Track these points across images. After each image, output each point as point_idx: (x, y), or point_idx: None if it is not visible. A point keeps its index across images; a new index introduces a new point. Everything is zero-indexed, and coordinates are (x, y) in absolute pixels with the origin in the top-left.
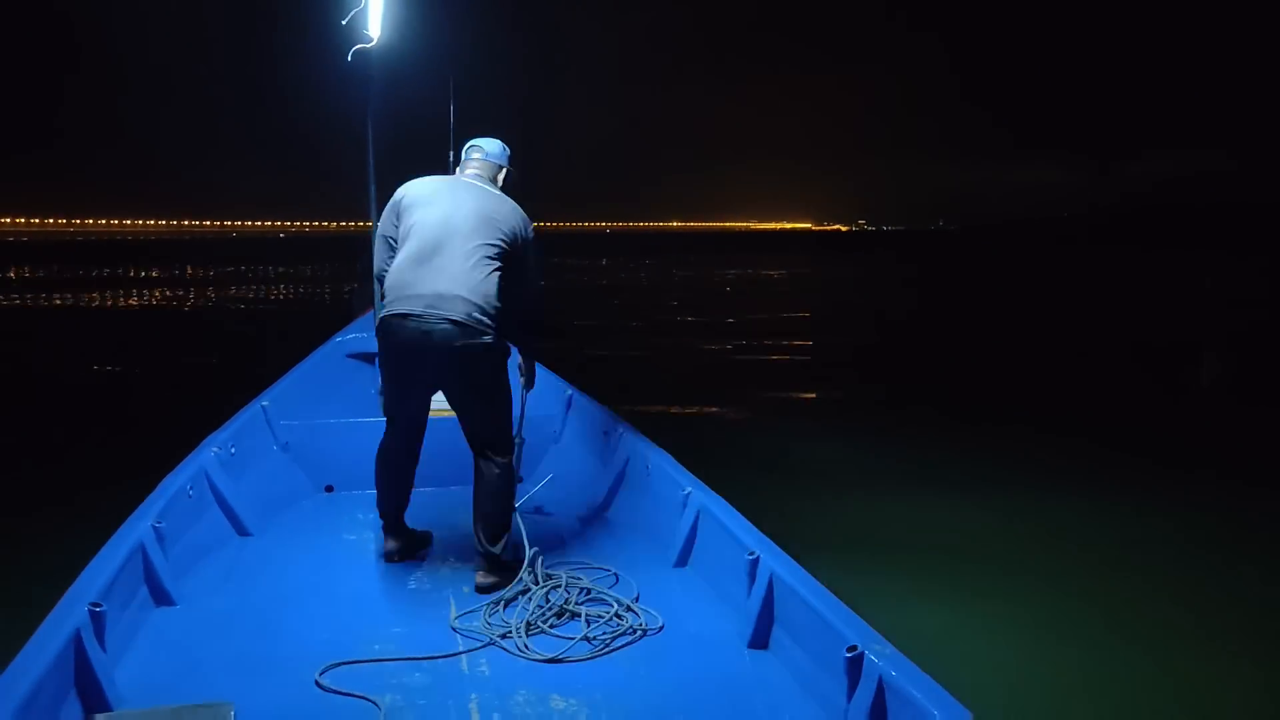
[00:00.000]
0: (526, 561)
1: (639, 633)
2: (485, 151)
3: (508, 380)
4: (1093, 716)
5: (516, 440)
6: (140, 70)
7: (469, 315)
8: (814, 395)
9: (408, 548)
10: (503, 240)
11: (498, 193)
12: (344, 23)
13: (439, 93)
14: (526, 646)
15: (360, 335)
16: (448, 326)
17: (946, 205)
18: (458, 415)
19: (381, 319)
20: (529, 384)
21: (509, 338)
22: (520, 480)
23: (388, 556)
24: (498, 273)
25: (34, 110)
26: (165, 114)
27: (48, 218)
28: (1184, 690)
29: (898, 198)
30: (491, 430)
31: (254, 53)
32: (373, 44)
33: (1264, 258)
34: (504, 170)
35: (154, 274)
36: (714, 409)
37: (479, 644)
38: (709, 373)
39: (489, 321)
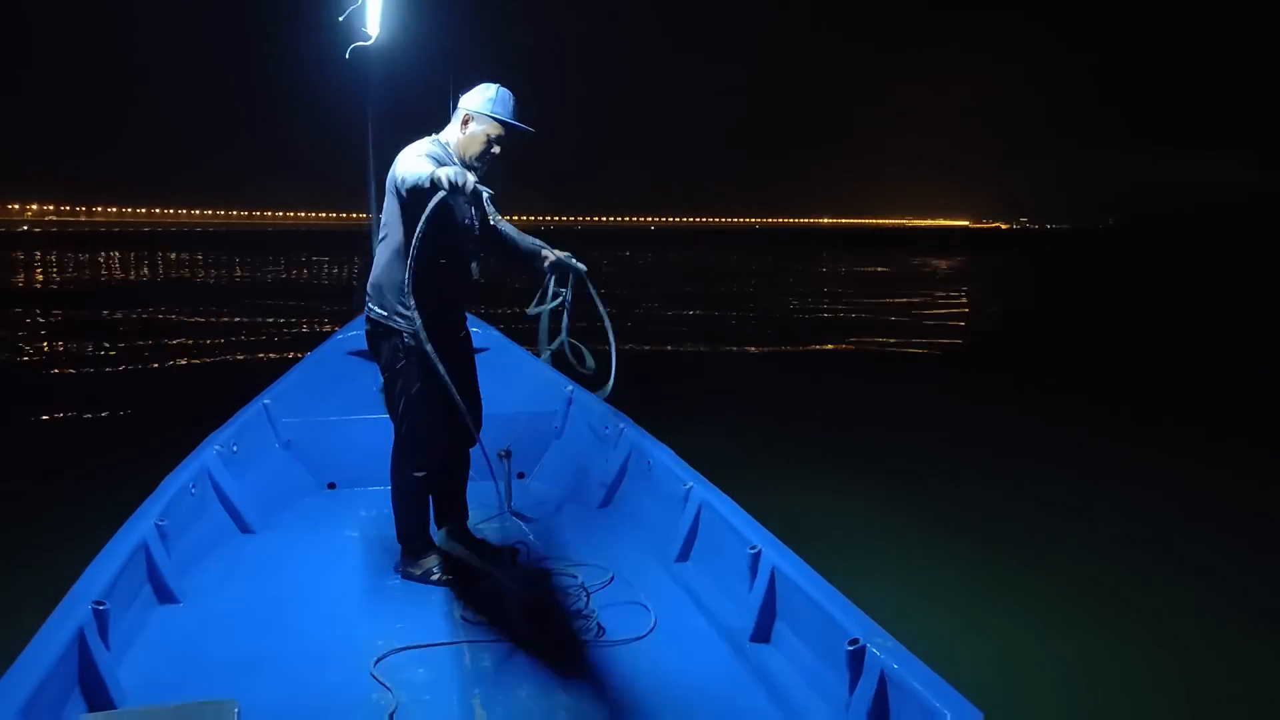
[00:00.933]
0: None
1: (642, 627)
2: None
3: (409, 365)
4: (1100, 711)
5: (411, 433)
6: (130, 68)
7: (369, 307)
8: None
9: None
10: (392, 199)
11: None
12: (340, 20)
13: (442, 90)
14: (531, 641)
15: (361, 332)
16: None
17: (1115, 203)
18: None
19: None
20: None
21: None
22: (522, 476)
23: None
24: (392, 247)
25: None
26: (142, 110)
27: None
28: (1195, 687)
29: (1062, 195)
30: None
31: (248, 48)
32: (371, 42)
33: None
34: (464, 115)
35: (152, 265)
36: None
37: (483, 640)
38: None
39: (382, 309)
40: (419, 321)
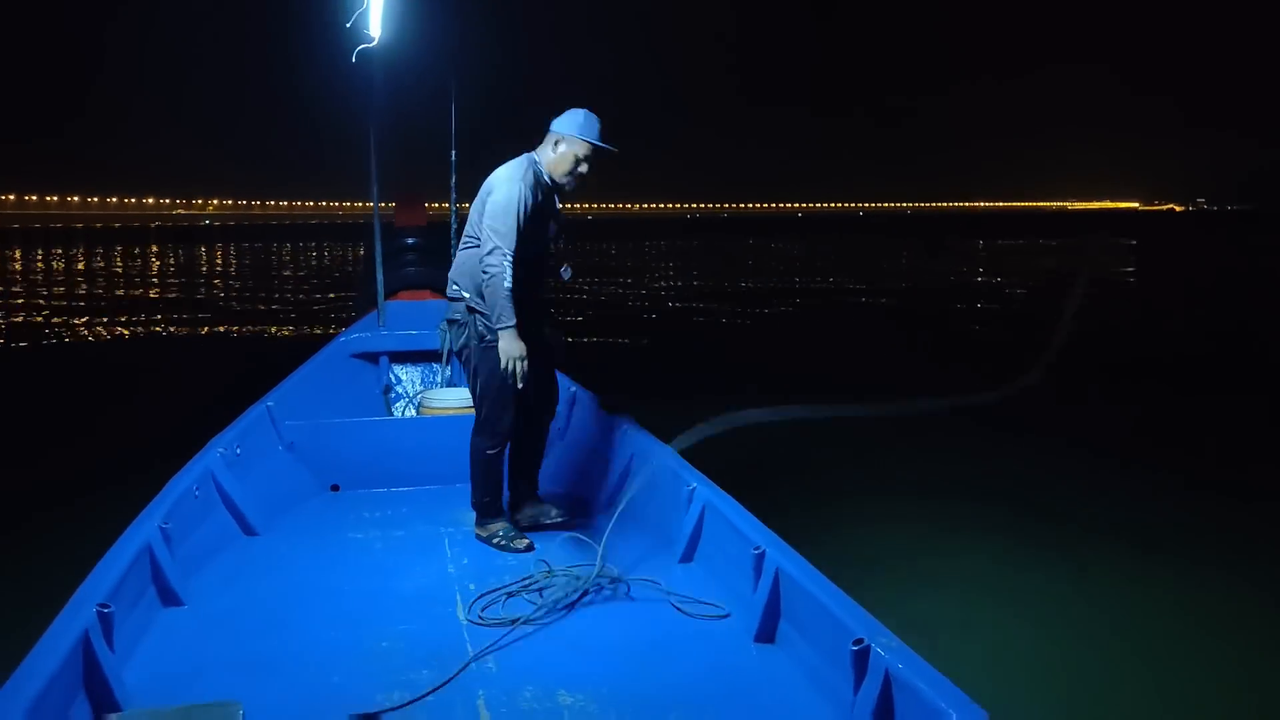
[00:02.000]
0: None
1: (645, 628)
2: (549, 128)
3: (490, 357)
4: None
5: (493, 419)
6: (144, 68)
7: (453, 288)
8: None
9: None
10: (483, 211)
11: (511, 163)
12: (348, 25)
13: (449, 91)
14: (533, 645)
15: (364, 334)
16: (452, 306)
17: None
18: None
19: None
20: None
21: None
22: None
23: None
24: (471, 247)
25: (51, 100)
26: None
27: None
28: (1207, 688)
29: (1247, 173)
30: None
31: (256, 50)
32: (374, 44)
33: None
34: (557, 138)
35: (157, 259)
36: None
37: (486, 641)
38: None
39: (467, 295)
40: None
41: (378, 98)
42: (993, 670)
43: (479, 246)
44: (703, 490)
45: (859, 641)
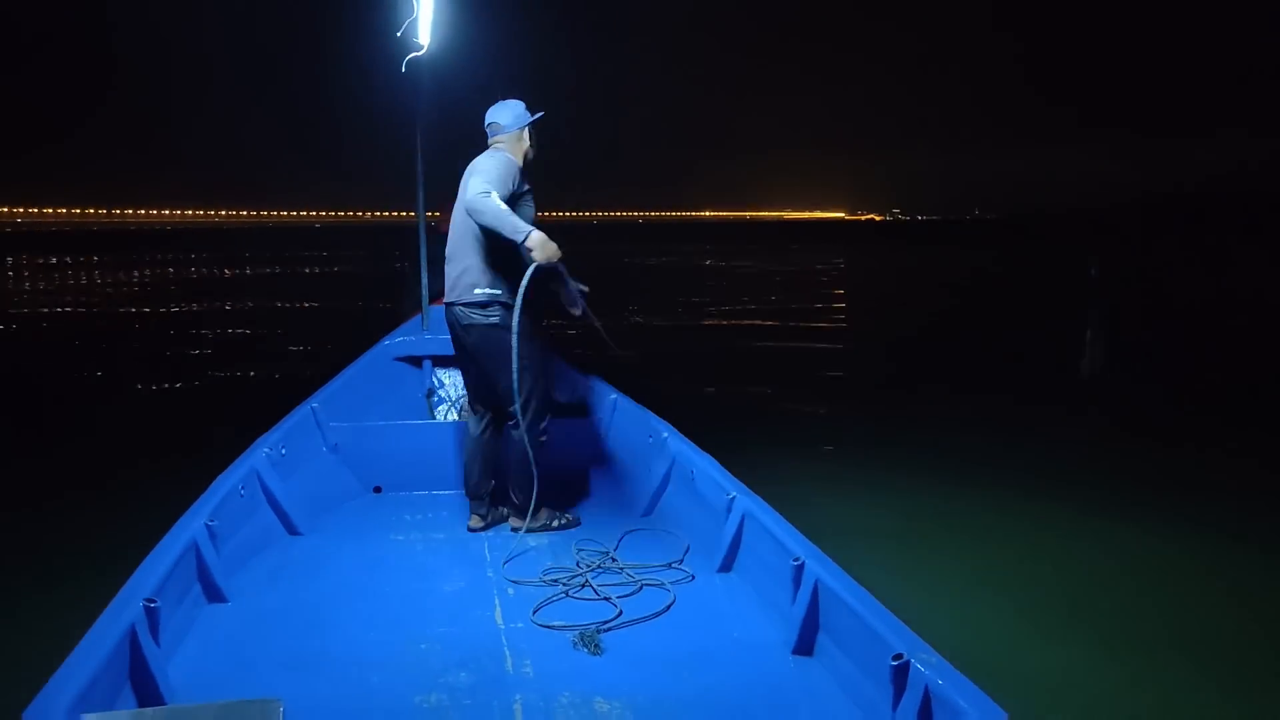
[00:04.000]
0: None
1: (683, 637)
2: (504, 124)
3: (533, 344)
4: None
5: (535, 403)
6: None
7: (474, 293)
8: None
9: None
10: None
11: (488, 152)
12: (399, 35)
13: (487, 96)
14: (572, 650)
15: (408, 338)
16: (464, 309)
17: (983, 194)
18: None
19: None
20: (574, 306)
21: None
22: (543, 439)
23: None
24: (492, 241)
25: (80, 106)
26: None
27: (87, 208)
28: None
29: (933, 187)
30: (508, 395)
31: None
32: (423, 52)
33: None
34: (524, 131)
35: (207, 264)
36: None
37: (524, 645)
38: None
39: (500, 293)
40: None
41: (426, 104)
42: (1037, 683)
43: (488, 239)
44: (742, 499)
45: (898, 656)
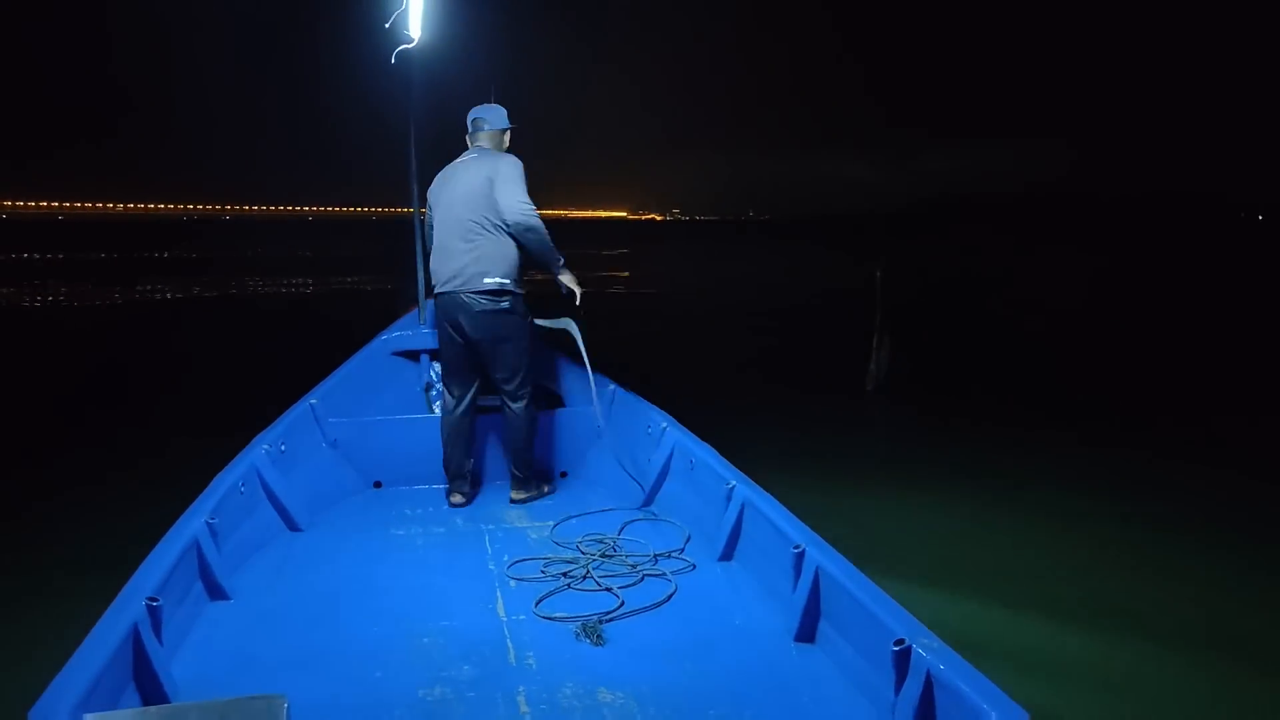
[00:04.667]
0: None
1: (685, 626)
2: (489, 122)
3: (523, 333)
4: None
5: (531, 383)
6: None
7: (500, 282)
8: None
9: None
10: (495, 202)
11: (480, 155)
12: (387, 26)
13: (478, 91)
14: (575, 641)
15: (405, 333)
16: (471, 295)
17: (754, 197)
18: (484, 364)
19: (434, 300)
20: (573, 299)
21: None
22: (565, 475)
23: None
24: (502, 235)
25: (92, 104)
26: (212, 111)
27: (104, 202)
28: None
29: (708, 188)
30: (509, 375)
31: (296, 50)
32: (414, 44)
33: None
34: (507, 131)
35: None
36: None
37: (527, 637)
38: None
39: (509, 283)
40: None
41: (418, 97)
42: (1038, 670)
43: (501, 233)
44: (742, 488)
45: (900, 642)
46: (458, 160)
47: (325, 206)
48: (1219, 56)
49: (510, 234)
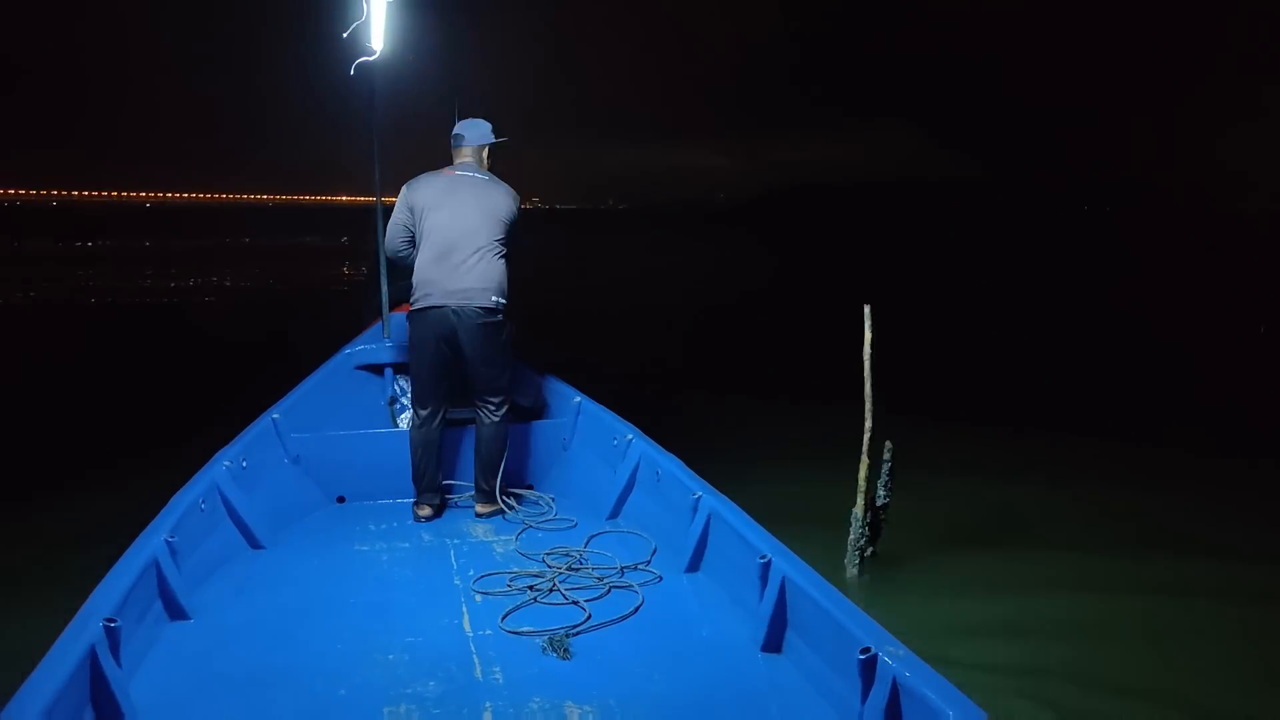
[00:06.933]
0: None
1: (653, 638)
2: (468, 138)
3: (510, 349)
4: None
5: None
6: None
7: (497, 300)
8: None
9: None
10: (504, 229)
11: (489, 180)
12: (345, 35)
13: (442, 104)
14: (539, 652)
15: (369, 346)
16: (473, 311)
17: (613, 186)
18: (470, 377)
19: (413, 311)
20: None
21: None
22: (530, 487)
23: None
24: (503, 258)
25: (54, 105)
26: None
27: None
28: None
29: (567, 177)
30: (495, 388)
31: (255, 58)
32: (375, 57)
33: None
34: (487, 148)
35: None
36: None
37: (492, 652)
38: None
39: (505, 302)
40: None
41: (379, 110)
42: (1002, 675)
43: (499, 254)
44: (708, 499)
45: (866, 650)
46: (452, 174)
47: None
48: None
49: (508, 259)
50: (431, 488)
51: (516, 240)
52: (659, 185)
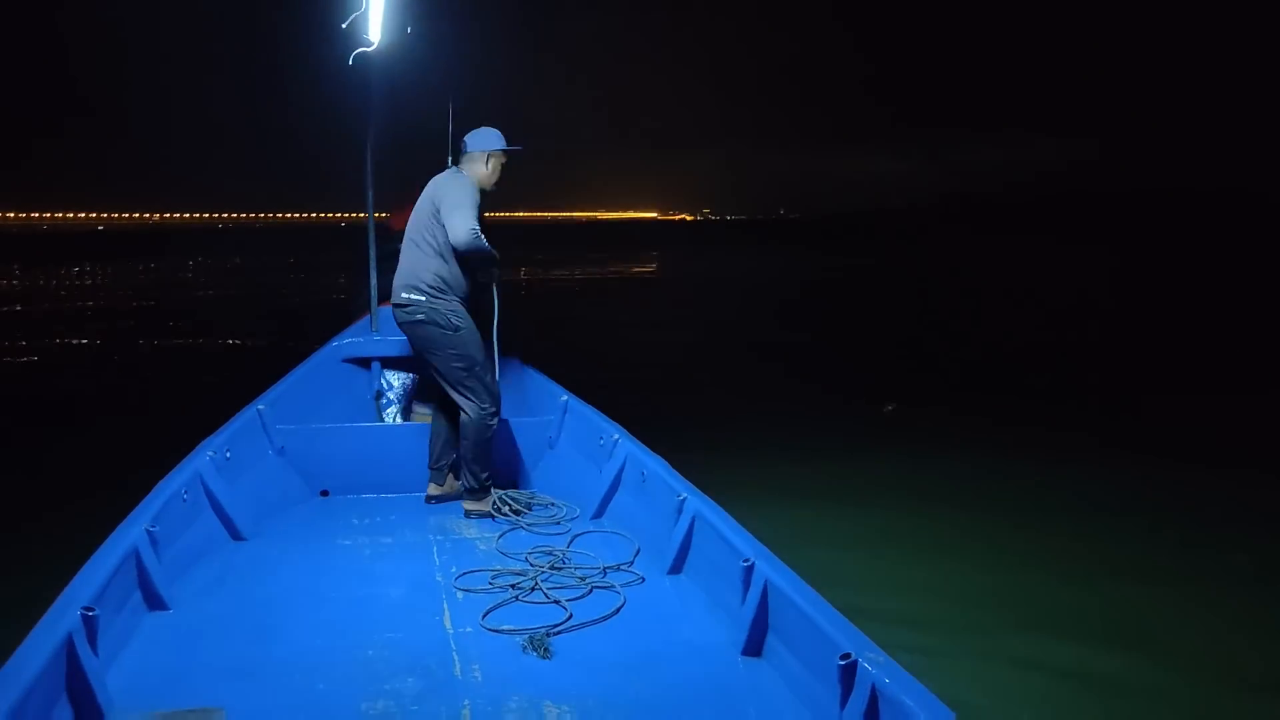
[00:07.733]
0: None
1: (633, 639)
2: (467, 145)
3: (462, 338)
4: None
5: (484, 387)
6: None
7: (409, 297)
8: None
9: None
10: (433, 216)
11: (448, 173)
12: (344, 26)
13: (440, 98)
14: (519, 651)
15: (356, 339)
16: (404, 310)
17: (783, 194)
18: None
19: None
20: (495, 315)
21: (462, 292)
22: (515, 486)
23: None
24: (430, 247)
25: (44, 108)
26: (168, 113)
27: (57, 211)
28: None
29: (737, 187)
30: (451, 380)
31: (254, 52)
32: (373, 48)
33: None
34: (485, 154)
35: (150, 264)
36: None
37: (472, 650)
38: None
39: (421, 298)
40: (463, 310)
41: (376, 102)
42: (979, 681)
43: (429, 250)
44: (693, 501)
45: (846, 656)
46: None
47: (280, 214)
48: (1230, 52)
49: (438, 252)
50: (438, 466)
51: (459, 239)
52: (827, 192)
